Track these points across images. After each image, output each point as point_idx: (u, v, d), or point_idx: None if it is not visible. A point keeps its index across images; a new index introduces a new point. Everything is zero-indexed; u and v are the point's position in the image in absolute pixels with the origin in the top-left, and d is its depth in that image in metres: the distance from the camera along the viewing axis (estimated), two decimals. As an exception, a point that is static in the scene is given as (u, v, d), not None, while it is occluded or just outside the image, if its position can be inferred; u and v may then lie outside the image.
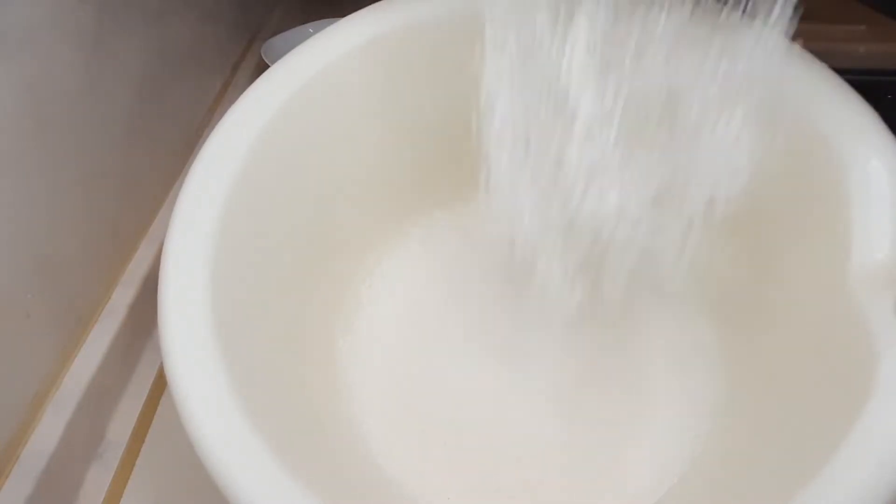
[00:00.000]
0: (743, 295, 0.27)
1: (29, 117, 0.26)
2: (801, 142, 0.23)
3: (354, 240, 0.30)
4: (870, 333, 0.19)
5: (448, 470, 0.25)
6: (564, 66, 0.24)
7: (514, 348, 0.29)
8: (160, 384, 0.31)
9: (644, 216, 0.25)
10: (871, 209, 0.21)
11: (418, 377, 0.28)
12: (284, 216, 0.26)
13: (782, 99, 0.24)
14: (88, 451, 0.28)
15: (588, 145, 0.24)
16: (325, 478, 0.20)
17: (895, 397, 0.18)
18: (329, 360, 0.28)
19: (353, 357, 0.28)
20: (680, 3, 0.24)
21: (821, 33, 0.39)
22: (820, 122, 0.23)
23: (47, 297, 0.27)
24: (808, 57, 0.24)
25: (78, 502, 0.27)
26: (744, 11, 0.22)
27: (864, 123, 0.22)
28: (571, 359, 0.29)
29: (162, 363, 0.20)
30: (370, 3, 0.28)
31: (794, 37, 0.22)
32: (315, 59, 0.26)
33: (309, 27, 0.51)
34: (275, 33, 0.51)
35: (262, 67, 0.49)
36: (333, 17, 0.29)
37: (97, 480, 0.27)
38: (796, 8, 0.20)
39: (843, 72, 0.24)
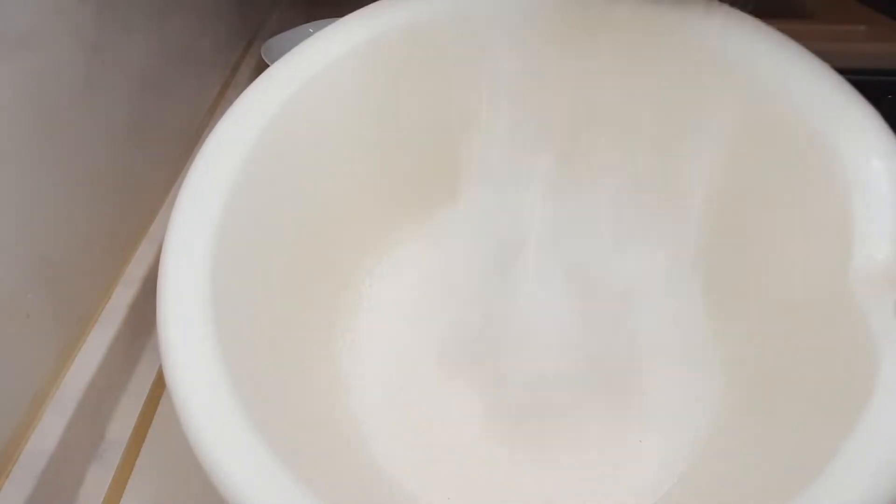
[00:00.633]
0: (742, 295, 0.27)
1: (29, 117, 0.26)
2: (802, 142, 0.23)
3: (354, 239, 0.30)
4: (870, 334, 0.19)
5: (448, 470, 0.25)
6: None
7: (514, 347, 0.29)
8: (160, 384, 0.31)
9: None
10: (872, 209, 0.21)
11: (418, 376, 0.28)
12: (284, 216, 0.26)
13: (783, 98, 0.24)
14: (88, 451, 0.28)
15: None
16: (324, 478, 0.20)
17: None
18: (329, 359, 0.28)
19: (352, 357, 0.28)
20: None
21: (821, 33, 0.39)
22: (820, 121, 0.23)
23: (47, 297, 0.27)
24: (809, 56, 0.24)
25: (78, 502, 0.27)
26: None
27: (864, 123, 0.22)
28: (571, 358, 0.29)
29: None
30: (369, 3, 0.28)
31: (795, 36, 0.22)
32: (314, 59, 0.26)
33: (309, 27, 0.51)
34: (275, 33, 0.51)
35: (262, 67, 0.49)
36: (333, 17, 0.29)
37: (97, 480, 0.27)
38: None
39: (843, 72, 0.24)
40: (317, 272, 0.28)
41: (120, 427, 0.29)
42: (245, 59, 0.52)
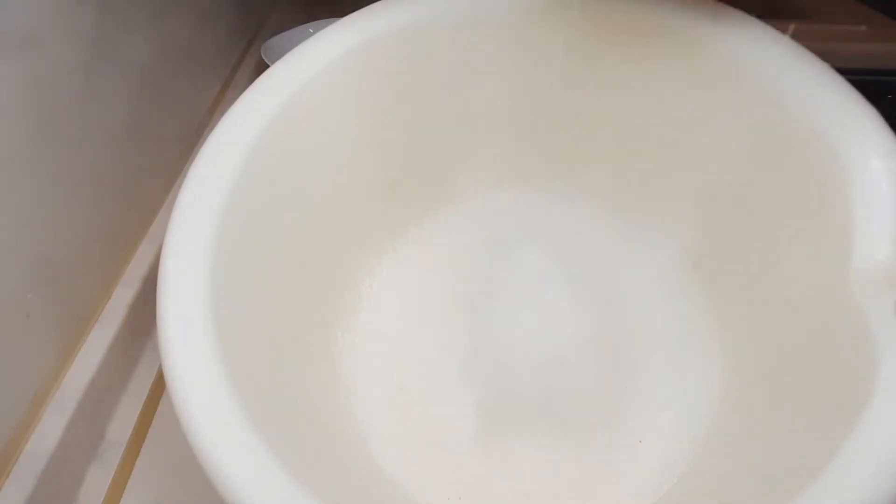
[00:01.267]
0: (742, 295, 0.27)
1: (29, 117, 0.26)
2: (802, 141, 0.23)
3: (354, 239, 0.30)
4: (870, 334, 0.19)
5: (448, 470, 0.25)
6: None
7: (514, 348, 0.29)
8: (160, 384, 0.31)
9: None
10: (872, 209, 0.21)
11: (419, 377, 0.28)
12: (284, 216, 0.26)
13: (783, 98, 0.24)
14: (88, 451, 0.28)
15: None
16: (324, 478, 0.20)
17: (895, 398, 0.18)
18: (329, 359, 0.28)
19: (353, 357, 0.28)
20: None
21: (821, 33, 0.39)
22: (821, 121, 0.23)
23: (47, 297, 0.27)
24: (809, 56, 0.24)
25: (78, 502, 0.27)
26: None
27: (865, 123, 0.22)
28: (573, 360, 0.29)
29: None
30: (369, 3, 0.28)
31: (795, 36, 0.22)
32: (314, 59, 0.26)
33: (309, 27, 0.51)
34: (275, 33, 0.51)
35: (262, 67, 0.49)
36: (333, 17, 0.29)
37: (97, 480, 0.27)
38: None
39: (843, 72, 0.24)
40: (317, 272, 0.28)
41: (120, 427, 0.29)
42: (245, 59, 0.52)
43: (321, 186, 0.28)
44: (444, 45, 0.28)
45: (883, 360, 0.18)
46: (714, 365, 0.27)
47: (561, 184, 0.33)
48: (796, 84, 0.24)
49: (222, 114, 0.24)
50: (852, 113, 0.22)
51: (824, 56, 0.24)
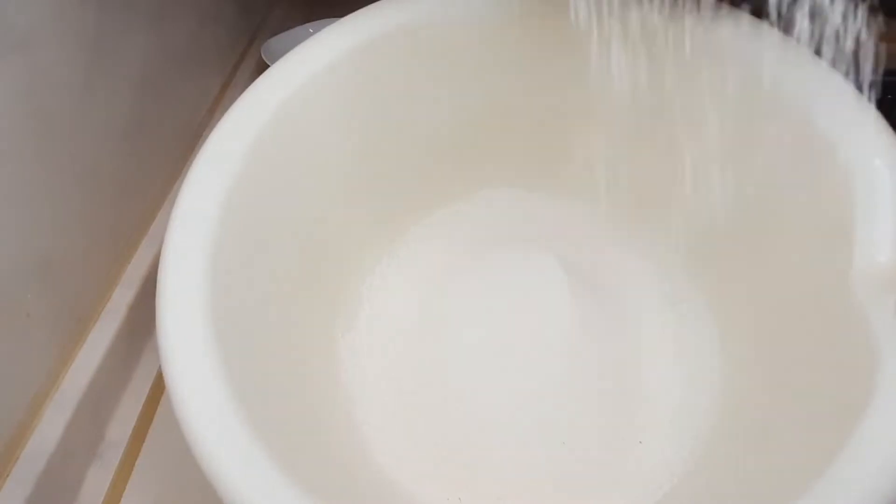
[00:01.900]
0: (743, 296, 0.26)
1: (29, 117, 0.26)
2: (803, 142, 0.23)
3: (354, 239, 0.30)
4: (871, 335, 0.19)
5: (448, 471, 0.25)
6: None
7: (514, 348, 0.29)
8: (160, 384, 0.31)
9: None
10: (873, 210, 0.21)
11: (418, 377, 0.28)
12: (283, 216, 0.26)
13: (783, 99, 0.24)
14: (88, 451, 0.28)
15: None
16: (323, 479, 0.20)
17: (896, 398, 0.17)
18: (329, 359, 0.28)
19: (353, 356, 0.28)
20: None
21: (821, 33, 0.39)
22: (822, 121, 0.23)
23: (47, 297, 0.27)
24: (810, 57, 0.24)
25: (78, 502, 0.27)
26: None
27: (866, 123, 0.22)
28: (573, 360, 0.29)
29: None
30: (369, 3, 0.28)
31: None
32: (314, 59, 0.26)
33: (309, 27, 0.51)
34: (275, 33, 0.51)
35: (262, 67, 0.49)
36: (333, 17, 0.29)
37: (97, 480, 0.27)
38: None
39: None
40: (316, 272, 0.28)
41: (120, 427, 0.29)
42: (245, 59, 0.52)
43: (321, 186, 0.28)
44: (444, 45, 0.28)
45: (883, 361, 0.18)
46: (714, 366, 0.27)
47: (560, 184, 0.33)
48: (797, 84, 0.24)
49: (222, 114, 0.24)
50: (854, 113, 0.22)
51: (824, 56, 0.24)
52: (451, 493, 0.24)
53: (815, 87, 0.23)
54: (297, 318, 0.26)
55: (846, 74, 0.21)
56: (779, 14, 0.21)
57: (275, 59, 0.27)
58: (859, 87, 0.21)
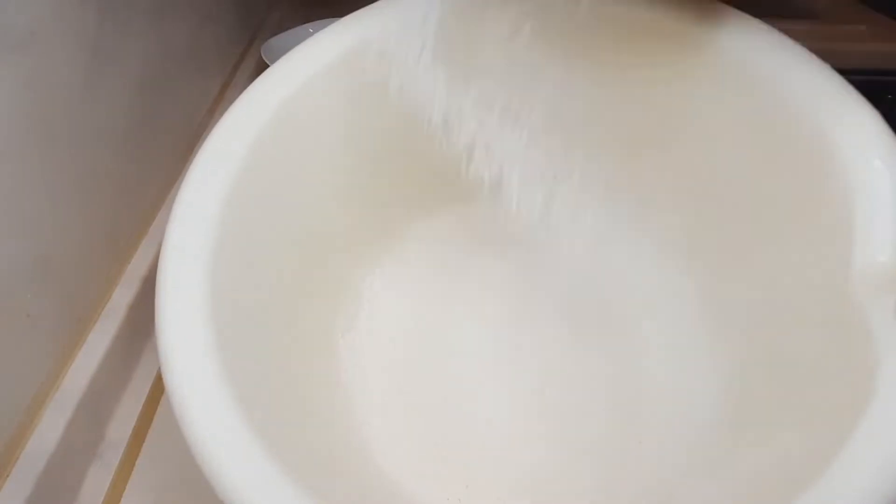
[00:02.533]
0: (742, 297, 0.26)
1: (29, 117, 0.26)
2: (802, 142, 0.23)
3: (354, 238, 0.30)
4: (871, 336, 0.19)
5: (448, 470, 0.25)
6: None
7: (513, 348, 0.29)
8: (160, 384, 0.31)
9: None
10: (873, 211, 0.21)
11: (419, 376, 0.28)
12: (283, 216, 0.26)
13: (783, 98, 0.24)
14: (88, 451, 0.28)
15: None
16: (324, 480, 0.20)
17: (896, 400, 0.17)
18: (329, 359, 0.28)
19: (353, 356, 0.28)
20: None
21: (821, 33, 0.39)
22: (821, 121, 0.23)
23: (47, 297, 0.27)
24: (809, 56, 0.24)
25: (78, 502, 0.27)
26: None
27: (865, 123, 0.22)
28: (572, 361, 0.29)
29: (162, 363, 0.20)
30: (369, 3, 0.28)
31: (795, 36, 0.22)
32: (313, 59, 0.26)
33: (309, 27, 0.51)
34: (275, 33, 0.51)
35: (261, 67, 0.49)
36: (333, 17, 0.29)
37: (97, 480, 0.27)
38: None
39: (843, 72, 0.24)
40: (316, 273, 0.28)
41: (120, 427, 0.29)
42: (245, 59, 0.52)
43: (321, 186, 0.28)
44: (443, 45, 0.28)
45: (883, 362, 0.18)
46: (713, 366, 0.27)
47: (560, 186, 0.33)
48: (796, 84, 0.24)
49: (222, 114, 0.24)
50: (852, 113, 0.22)
51: (824, 56, 0.24)
52: (451, 494, 0.24)
53: (814, 87, 0.23)
54: (297, 318, 0.26)
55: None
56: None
57: (275, 59, 0.27)
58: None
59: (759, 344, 0.25)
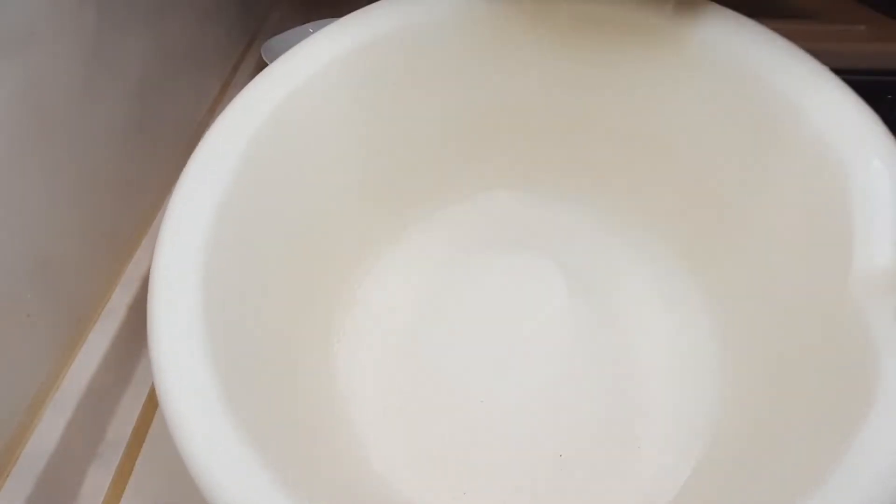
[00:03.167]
0: (742, 300, 0.26)
1: (28, 117, 0.26)
2: (801, 143, 0.23)
3: (349, 242, 0.30)
4: (871, 339, 0.19)
5: (446, 476, 0.25)
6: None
7: (513, 351, 0.29)
8: (160, 384, 0.31)
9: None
10: (873, 212, 0.20)
11: (414, 380, 0.28)
12: (279, 217, 0.26)
13: (781, 100, 0.24)
14: (88, 451, 0.28)
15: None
16: (320, 485, 0.20)
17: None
18: (324, 363, 0.27)
19: (348, 360, 0.28)
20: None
21: (821, 33, 0.39)
22: (820, 123, 0.23)
23: (47, 297, 0.27)
24: (808, 57, 0.24)
25: (78, 502, 0.27)
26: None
27: (864, 124, 0.22)
28: (571, 363, 0.28)
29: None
30: (369, 3, 0.28)
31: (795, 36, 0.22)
32: (312, 58, 0.26)
33: (309, 27, 0.51)
34: (275, 33, 0.51)
35: (261, 67, 0.49)
36: (333, 17, 0.29)
37: (97, 480, 0.27)
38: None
39: (843, 72, 0.24)
40: (313, 274, 0.28)
41: (120, 427, 0.29)
42: (245, 59, 0.52)
43: (318, 187, 0.27)
44: (442, 45, 0.28)
45: (884, 364, 0.18)
46: (714, 370, 0.26)
47: (559, 185, 0.33)
48: (794, 85, 0.24)
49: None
50: (852, 114, 0.22)
51: (824, 56, 0.24)
52: (450, 498, 0.24)
53: (813, 87, 0.23)
54: (293, 321, 0.26)
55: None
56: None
57: (275, 59, 0.27)
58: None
59: (758, 346, 0.25)
